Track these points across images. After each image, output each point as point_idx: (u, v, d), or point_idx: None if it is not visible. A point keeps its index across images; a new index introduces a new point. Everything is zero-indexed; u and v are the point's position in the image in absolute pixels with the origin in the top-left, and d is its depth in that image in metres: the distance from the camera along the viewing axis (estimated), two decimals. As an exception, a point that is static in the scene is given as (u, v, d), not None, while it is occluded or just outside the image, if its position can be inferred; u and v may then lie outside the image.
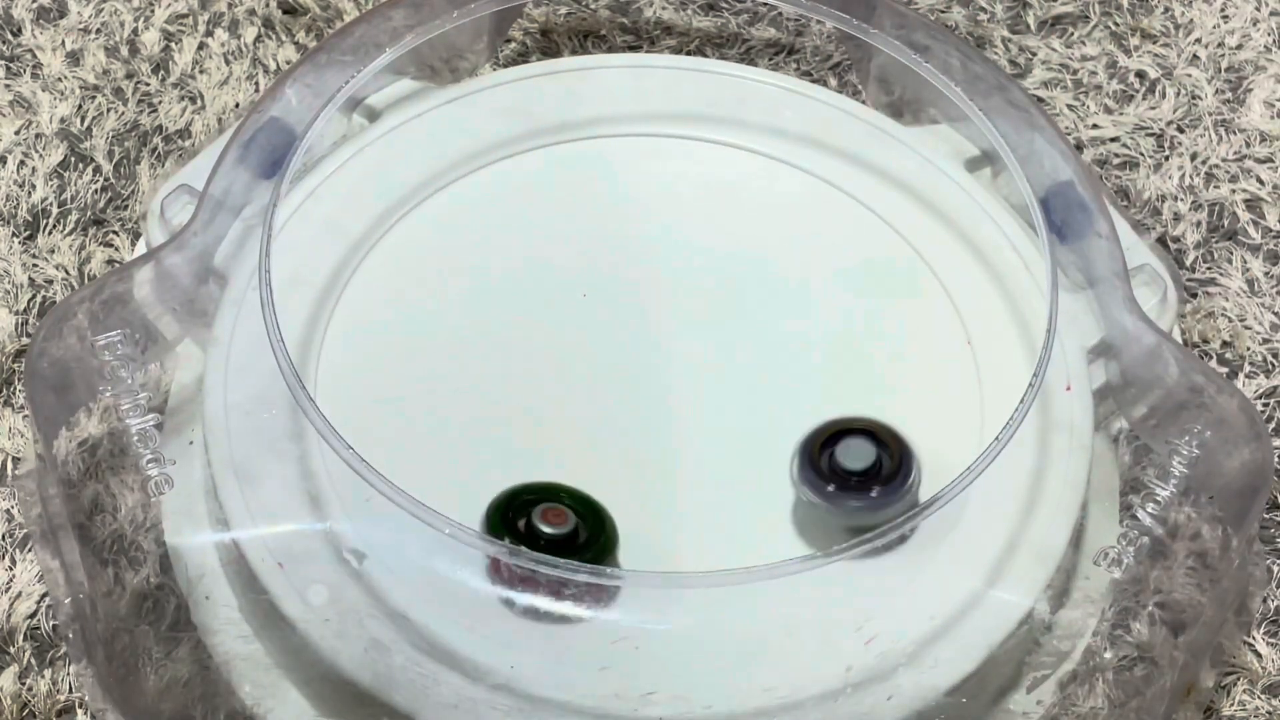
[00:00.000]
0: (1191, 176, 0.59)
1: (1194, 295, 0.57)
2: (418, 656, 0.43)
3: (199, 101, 0.60)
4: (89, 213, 0.57)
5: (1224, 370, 0.55)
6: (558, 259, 0.51)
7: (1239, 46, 0.63)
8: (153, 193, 0.52)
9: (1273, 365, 0.55)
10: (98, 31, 0.61)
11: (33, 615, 0.49)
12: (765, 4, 0.62)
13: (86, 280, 0.55)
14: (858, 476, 0.45)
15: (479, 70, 0.57)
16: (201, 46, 0.61)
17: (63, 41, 0.61)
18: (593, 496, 0.45)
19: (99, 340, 0.47)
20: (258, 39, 0.61)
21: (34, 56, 0.60)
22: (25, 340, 0.54)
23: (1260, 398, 0.55)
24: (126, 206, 0.57)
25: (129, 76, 0.60)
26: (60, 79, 0.60)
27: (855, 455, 0.45)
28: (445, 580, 0.43)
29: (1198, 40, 0.63)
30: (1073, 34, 0.63)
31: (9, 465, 0.51)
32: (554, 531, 0.44)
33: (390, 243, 0.51)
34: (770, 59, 0.62)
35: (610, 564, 0.44)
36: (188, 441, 0.48)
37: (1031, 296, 0.50)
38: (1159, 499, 0.46)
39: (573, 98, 0.54)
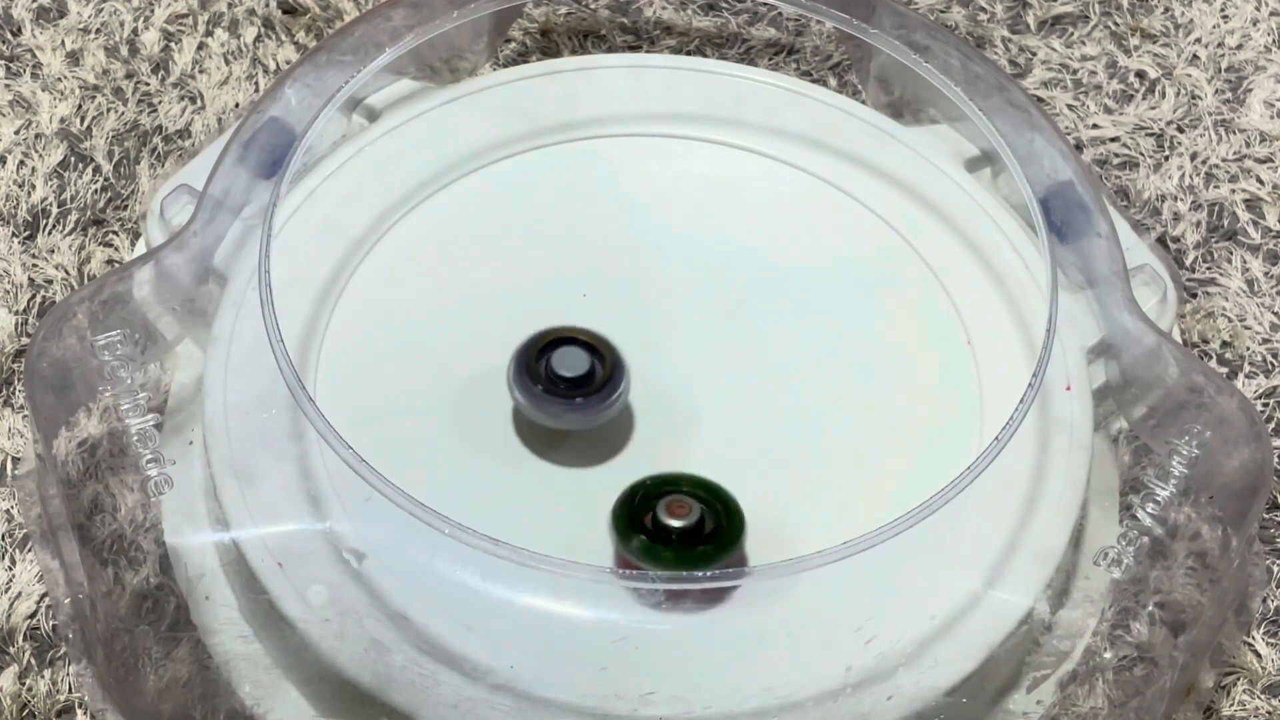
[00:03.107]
0: (1191, 176, 0.59)
1: (1194, 295, 0.57)
2: (418, 656, 0.43)
3: (199, 101, 0.60)
4: (89, 213, 0.57)
5: (1224, 370, 0.55)
6: (557, 259, 0.51)
7: (1239, 46, 0.63)
8: (153, 193, 0.52)
9: (1272, 365, 0.55)
10: (98, 31, 0.61)
11: (33, 615, 0.49)
12: (765, 4, 0.62)
13: (86, 280, 0.55)
14: (568, 383, 0.46)
15: (479, 70, 0.57)
16: (201, 46, 0.61)
17: (63, 41, 0.61)
18: (719, 484, 0.45)
19: (99, 340, 0.47)
20: (258, 39, 0.61)
21: (34, 56, 0.60)
22: (25, 340, 0.54)
23: (1260, 398, 0.55)
24: (126, 206, 0.57)
25: (129, 76, 0.60)
26: (60, 79, 0.60)
27: (570, 363, 0.46)
28: (445, 580, 0.43)
29: (1198, 40, 0.63)
30: (1073, 34, 0.63)
31: (9, 465, 0.51)
32: (680, 524, 0.44)
33: (390, 243, 0.51)
34: (770, 59, 0.62)
35: (738, 550, 0.44)
36: (188, 441, 0.48)
37: (1031, 296, 0.50)
38: (1159, 499, 0.46)
39: (572, 98, 0.54)
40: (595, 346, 0.47)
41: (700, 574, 0.42)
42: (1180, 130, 0.61)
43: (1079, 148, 0.60)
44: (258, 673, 0.45)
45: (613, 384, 0.46)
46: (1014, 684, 0.46)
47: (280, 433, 0.46)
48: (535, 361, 0.46)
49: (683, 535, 0.44)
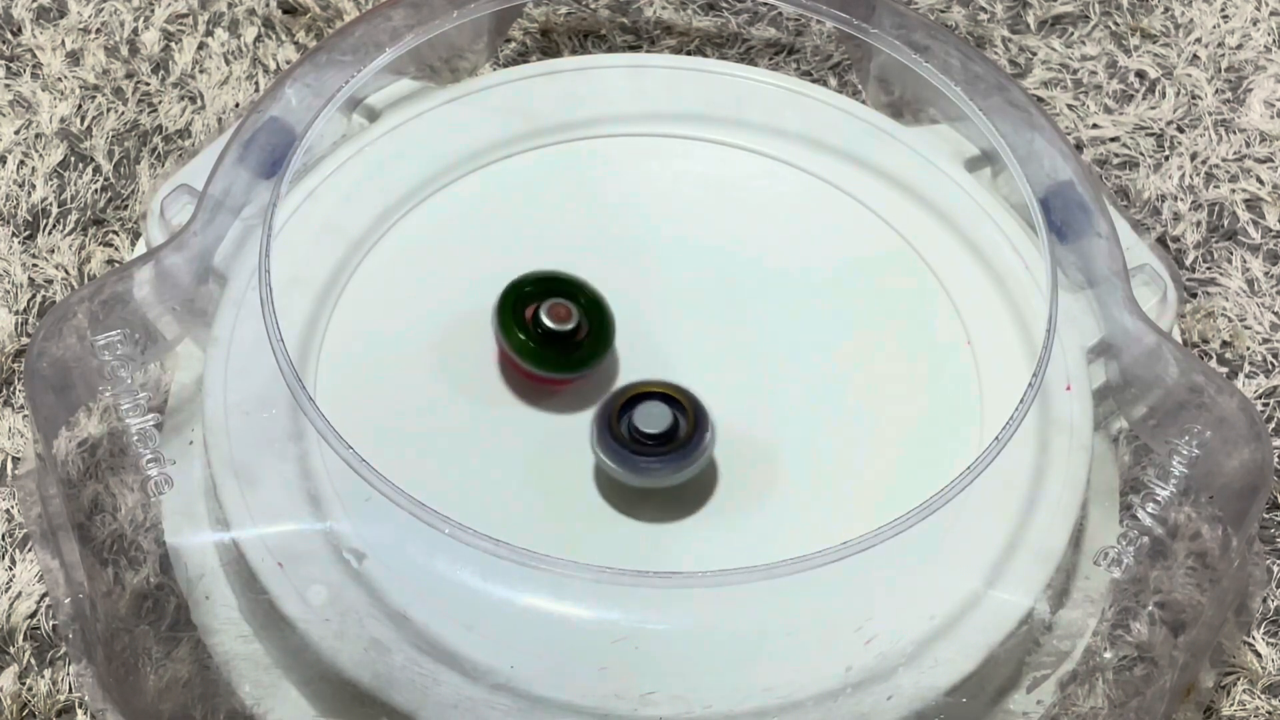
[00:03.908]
0: (1191, 176, 0.59)
1: (1194, 295, 0.57)
2: (418, 656, 0.43)
3: (199, 101, 0.60)
4: (89, 213, 0.57)
5: (1224, 370, 0.55)
6: (557, 259, 0.51)
7: (1239, 46, 0.63)
8: (153, 193, 0.52)
9: (1273, 365, 0.55)
10: (98, 31, 0.61)
11: (33, 615, 0.49)
12: (765, 4, 0.62)
13: (86, 280, 0.55)
14: (653, 440, 0.46)
15: (479, 70, 0.57)
16: (201, 46, 0.61)
17: (63, 41, 0.61)
18: (599, 293, 0.48)
19: (99, 340, 0.47)
20: (258, 39, 0.61)
21: (34, 56, 0.60)
22: (25, 340, 0.54)
23: (1260, 398, 0.55)
24: (126, 206, 0.57)
25: (129, 76, 0.60)
26: (60, 79, 0.60)
27: (652, 419, 0.46)
28: (445, 580, 0.43)
29: (1198, 40, 0.63)
30: (1073, 34, 0.63)
31: (9, 465, 0.51)
32: (557, 327, 0.47)
33: (390, 243, 0.51)
34: (770, 59, 0.62)
35: (606, 356, 0.48)
36: (188, 441, 0.48)
37: (1031, 296, 0.50)
38: (1159, 499, 0.46)
39: (572, 98, 0.54)
40: (678, 399, 0.46)
41: (700, 574, 0.42)
42: (1180, 130, 0.61)
43: (1079, 148, 0.60)
44: (258, 673, 0.45)
45: (698, 436, 0.46)
46: (1014, 684, 0.46)
47: (280, 433, 0.46)
48: (617, 420, 0.46)
49: (561, 338, 0.47)
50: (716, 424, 0.47)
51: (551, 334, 0.47)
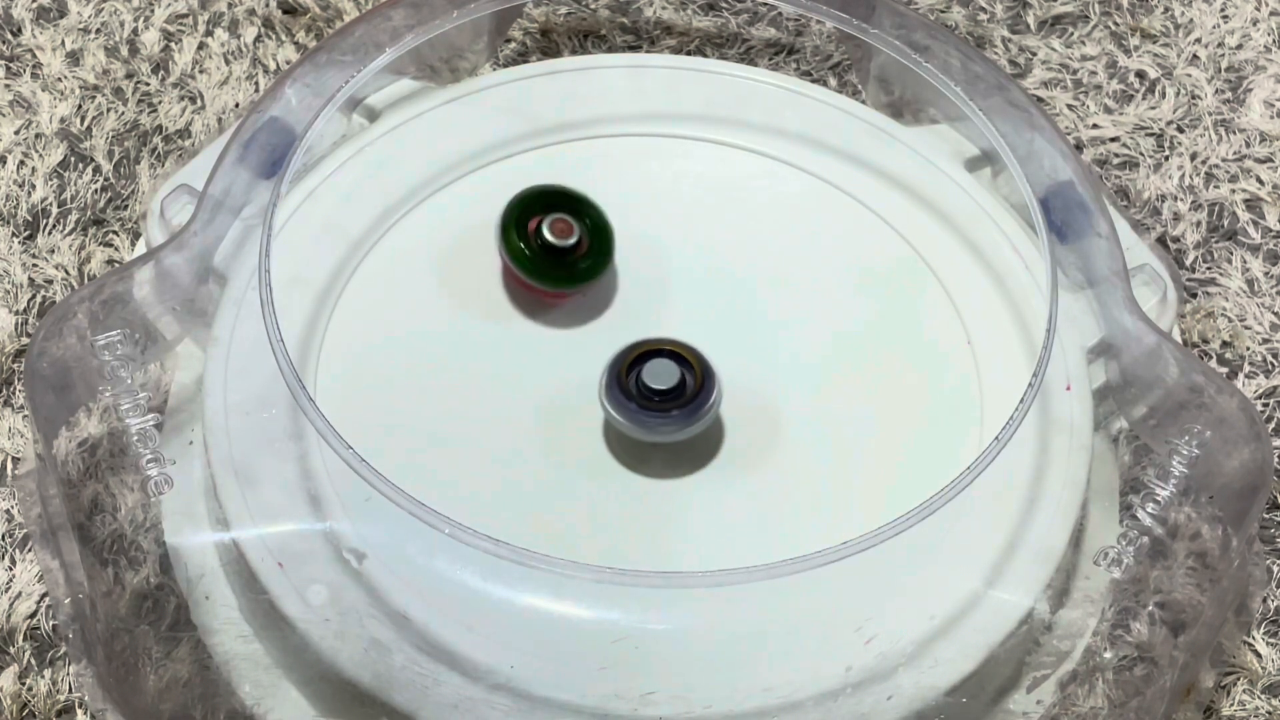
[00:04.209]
0: (1191, 176, 0.59)
1: (1194, 295, 0.57)
2: (418, 656, 0.43)
3: (199, 101, 0.60)
4: (89, 213, 0.57)
5: (1224, 370, 0.55)
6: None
7: (1239, 46, 0.63)
8: (153, 193, 0.52)
9: (1273, 365, 0.55)
10: (98, 31, 0.61)
11: (33, 615, 0.49)
12: (765, 4, 0.62)
13: (86, 280, 0.55)
14: (661, 396, 0.46)
15: (479, 70, 0.57)
16: (201, 46, 0.61)
17: (63, 41, 0.61)
18: (601, 209, 0.49)
19: (99, 340, 0.47)
20: (258, 39, 0.61)
21: (34, 56, 0.60)
22: (25, 340, 0.54)
23: (1260, 398, 0.55)
24: (126, 206, 0.57)
25: (129, 76, 0.60)
26: (60, 79, 0.60)
27: (660, 375, 0.46)
28: (445, 580, 0.43)
29: (1198, 40, 0.63)
30: (1073, 34, 0.63)
31: (9, 465, 0.51)
32: (559, 242, 0.48)
33: (390, 243, 0.51)
34: (770, 59, 0.62)
35: (605, 270, 0.49)
36: (188, 441, 0.48)
37: (1031, 296, 0.50)
38: (1159, 499, 0.46)
39: (572, 98, 0.54)
40: (685, 357, 0.47)
41: (700, 573, 0.42)
42: (1180, 130, 0.61)
43: (1079, 148, 0.60)
44: (258, 673, 0.45)
45: (704, 393, 0.46)
46: (1014, 684, 0.46)
47: (280, 433, 0.46)
48: (626, 376, 0.47)
49: (562, 252, 0.48)
50: (715, 419, 0.47)
51: (552, 248, 0.49)
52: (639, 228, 0.52)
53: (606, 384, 0.46)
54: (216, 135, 0.57)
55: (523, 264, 0.48)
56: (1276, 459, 0.47)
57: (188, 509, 0.46)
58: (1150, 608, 0.46)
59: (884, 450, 0.48)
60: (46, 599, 0.49)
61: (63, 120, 0.59)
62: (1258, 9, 0.64)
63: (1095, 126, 0.60)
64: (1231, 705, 0.49)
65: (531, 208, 0.49)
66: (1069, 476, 0.47)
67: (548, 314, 0.50)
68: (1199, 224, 0.58)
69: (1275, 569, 0.51)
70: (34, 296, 0.55)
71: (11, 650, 0.48)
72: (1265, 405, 0.54)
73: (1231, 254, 0.58)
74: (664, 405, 0.46)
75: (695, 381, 0.47)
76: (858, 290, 0.51)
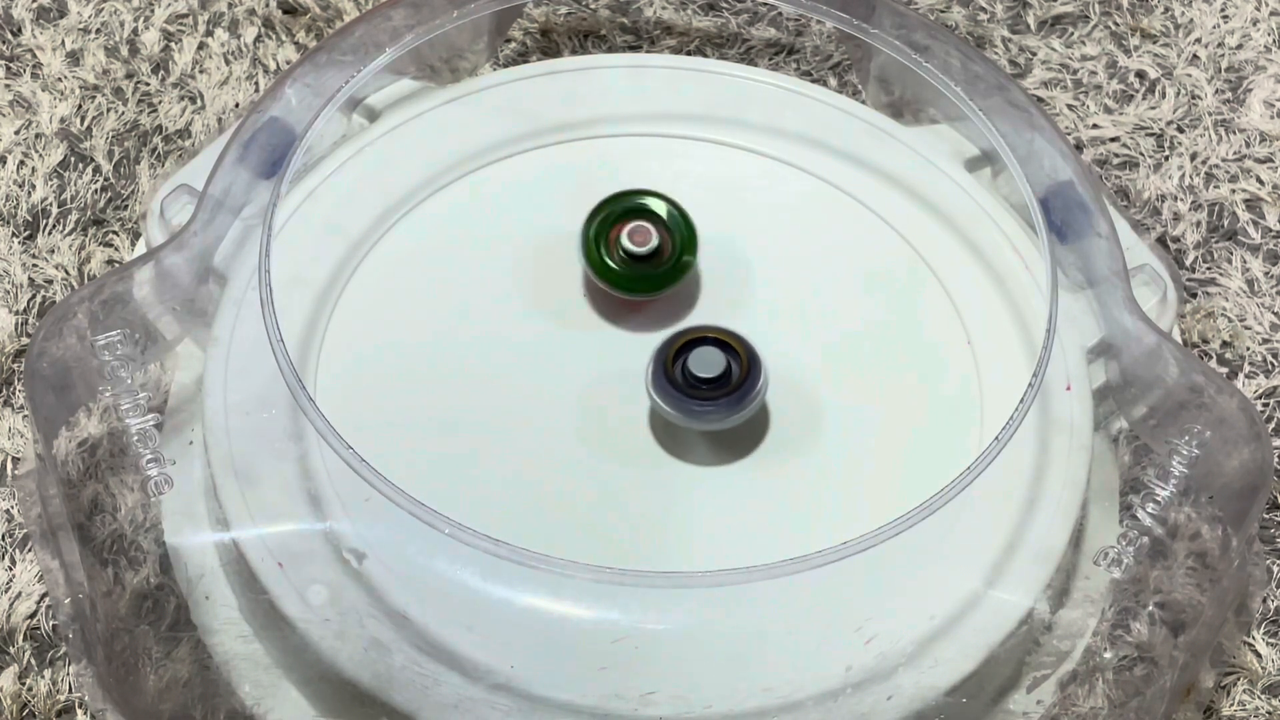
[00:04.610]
0: (1191, 176, 0.59)
1: (1194, 295, 0.57)
2: (418, 656, 0.43)
3: (199, 101, 0.60)
4: (89, 213, 0.57)
5: (1224, 370, 0.55)
6: (557, 259, 0.51)
7: (1239, 46, 0.63)
8: (153, 193, 0.52)
9: (1273, 365, 0.55)
10: (98, 31, 0.61)
11: (33, 615, 0.49)
12: (765, 4, 0.62)
13: (86, 280, 0.55)
14: (707, 384, 0.46)
15: (479, 70, 0.57)
16: (201, 46, 0.61)
17: (63, 41, 0.61)
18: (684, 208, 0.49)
19: (99, 340, 0.47)
20: (258, 39, 0.61)
21: (34, 56, 0.60)
22: (25, 340, 0.54)
23: (1260, 398, 0.55)
24: (126, 206, 0.57)
25: (129, 76, 0.60)
26: (60, 79, 0.60)
27: (706, 363, 0.47)
28: (445, 580, 0.43)
29: (1198, 40, 0.63)
30: (1073, 34, 0.63)
31: (9, 465, 0.51)
32: (639, 250, 0.49)
33: (390, 243, 0.51)
34: (770, 59, 0.62)
35: (689, 270, 0.49)
36: (188, 441, 0.48)
37: (1031, 296, 0.50)
38: (1159, 499, 0.46)
39: (572, 98, 0.54)
40: (731, 345, 0.47)
41: (700, 573, 0.42)
42: (1180, 130, 0.61)
43: (1079, 148, 0.60)
44: (258, 673, 0.45)
45: (751, 380, 0.47)
46: (1014, 684, 0.46)
47: (280, 433, 0.46)
48: (672, 364, 0.47)
49: (641, 260, 0.49)
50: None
51: (633, 256, 0.49)
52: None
53: (652, 373, 0.47)
54: (216, 135, 0.57)
55: (607, 278, 0.49)
56: (1276, 459, 0.47)
57: (188, 509, 0.46)
58: (1150, 608, 0.46)
59: (884, 450, 0.48)
60: (46, 599, 0.49)
61: (63, 120, 0.59)
62: (1258, 9, 0.64)
63: (1095, 126, 0.60)
64: (1231, 705, 0.49)
65: (610, 217, 0.49)
66: (1069, 476, 0.47)
67: (545, 314, 0.50)
68: (1199, 224, 0.58)
69: (1275, 569, 0.51)
70: (34, 296, 0.55)
71: (11, 650, 0.48)
72: (1265, 405, 0.54)
73: (1231, 254, 0.58)
74: (711, 394, 0.46)
75: (741, 369, 0.47)
76: (857, 290, 0.51)
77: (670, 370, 0.47)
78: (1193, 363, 0.48)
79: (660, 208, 0.50)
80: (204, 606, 0.46)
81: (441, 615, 0.43)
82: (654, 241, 0.49)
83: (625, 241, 0.49)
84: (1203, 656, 0.46)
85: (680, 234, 0.49)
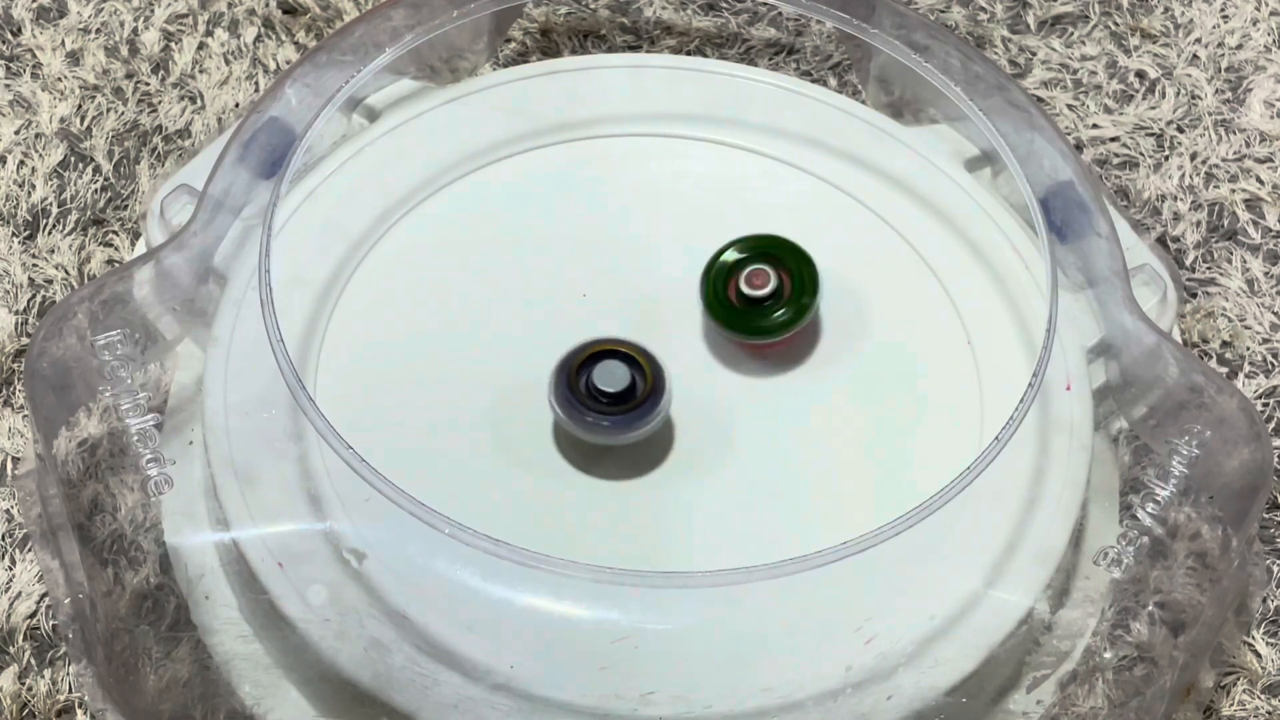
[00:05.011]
0: (1191, 176, 0.59)
1: (1194, 295, 0.57)
2: (418, 656, 0.43)
3: (199, 101, 0.60)
4: (89, 213, 0.57)
5: (1224, 370, 0.55)
6: (557, 259, 0.51)
7: (1239, 46, 0.63)
8: (153, 193, 0.52)
9: (1273, 365, 0.55)
10: (98, 31, 0.61)
11: (33, 615, 0.49)
12: (765, 4, 0.62)
13: (86, 280, 0.55)
14: (609, 398, 0.46)
15: (479, 70, 0.57)
16: (201, 46, 0.61)
17: (63, 41, 0.61)
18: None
19: (99, 340, 0.47)
20: (258, 39, 0.61)
21: (34, 56, 0.60)
22: (25, 340, 0.54)
23: (1260, 398, 0.55)
24: (126, 206, 0.57)
25: (129, 76, 0.60)
26: (60, 79, 0.60)
27: (610, 378, 0.46)
28: (445, 580, 0.43)
29: (1198, 40, 0.63)
30: (1073, 34, 0.63)
31: (9, 465, 0.51)
32: (760, 293, 0.48)
33: (390, 243, 0.51)
34: (770, 59, 0.62)
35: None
36: (188, 441, 0.48)
37: (1031, 296, 0.50)
38: (1159, 499, 0.46)
39: (572, 98, 0.54)
40: (636, 359, 0.47)
41: (700, 573, 0.42)
42: (1180, 130, 0.61)
43: (1079, 148, 0.60)
44: (258, 673, 0.45)
45: (654, 398, 0.46)
46: (1014, 684, 0.46)
47: (280, 433, 0.46)
48: (576, 376, 0.46)
49: (761, 302, 0.48)
50: (714, 422, 0.47)
51: (750, 300, 0.48)
52: (639, 228, 0.52)
53: (553, 386, 0.46)
54: (216, 135, 0.57)
55: (719, 317, 0.49)
56: (1276, 459, 0.47)
57: (188, 509, 0.46)
58: (1150, 608, 0.46)
59: (884, 450, 0.48)
60: (46, 599, 0.49)
61: (63, 120, 0.59)
62: (1258, 9, 0.64)
63: (1095, 126, 0.60)
64: (1231, 705, 0.49)
65: (737, 265, 0.49)
66: (1069, 476, 0.47)
67: (549, 316, 0.50)
68: (1199, 224, 0.58)
69: (1275, 569, 0.51)
70: (34, 296, 0.55)
71: (11, 650, 0.48)
72: (1265, 405, 0.54)
73: (1231, 254, 0.58)
74: (611, 409, 0.46)
75: (645, 385, 0.46)
76: (857, 290, 0.51)
77: (574, 383, 0.46)
78: (1193, 363, 0.48)
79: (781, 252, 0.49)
80: (204, 606, 0.46)
81: (441, 615, 0.43)
82: (772, 284, 0.48)
83: (743, 285, 0.48)
84: (1203, 656, 0.46)
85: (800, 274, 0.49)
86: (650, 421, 0.46)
